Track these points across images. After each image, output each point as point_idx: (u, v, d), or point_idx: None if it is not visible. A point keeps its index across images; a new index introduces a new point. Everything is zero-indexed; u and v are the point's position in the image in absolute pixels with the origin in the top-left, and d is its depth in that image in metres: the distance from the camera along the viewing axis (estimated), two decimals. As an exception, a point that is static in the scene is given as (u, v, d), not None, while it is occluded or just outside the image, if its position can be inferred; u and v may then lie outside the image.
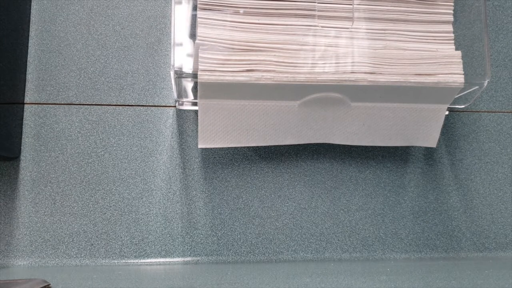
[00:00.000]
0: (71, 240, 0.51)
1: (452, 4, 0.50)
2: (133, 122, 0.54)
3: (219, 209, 0.53)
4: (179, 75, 0.46)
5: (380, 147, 0.56)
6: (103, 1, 0.55)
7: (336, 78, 0.45)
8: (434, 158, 0.57)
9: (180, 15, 0.49)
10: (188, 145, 0.54)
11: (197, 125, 0.51)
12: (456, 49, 0.49)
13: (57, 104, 0.53)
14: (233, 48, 0.45)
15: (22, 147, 0.52)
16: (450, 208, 0.57)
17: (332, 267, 0.49)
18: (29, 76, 0.53)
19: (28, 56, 0.53)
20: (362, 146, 0.56)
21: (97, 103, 0.53)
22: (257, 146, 0.55)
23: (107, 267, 0.50)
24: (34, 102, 0.53)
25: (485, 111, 0.59)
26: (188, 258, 0.52)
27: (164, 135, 0.54)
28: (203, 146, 0.49)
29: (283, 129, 0.50)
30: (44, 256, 0.51)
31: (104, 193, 0.52)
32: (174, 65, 0.45)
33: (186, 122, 0.54)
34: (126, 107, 0.54)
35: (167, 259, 0.52)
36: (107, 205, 0.52)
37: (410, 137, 0.52)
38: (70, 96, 0.53)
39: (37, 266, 0.50)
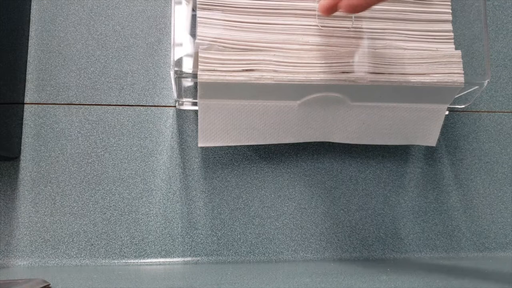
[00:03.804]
0: (71, 240, 0.51)
1: (449, 3, 0.50)
2: (133, 122, 0.54)
3: (219, 209, 0.53)
4: (179, 75, 0.46)
5: (380, 147, 0.56)
6: (103, 1, 0.55)
7: (336, 78, 0.45)
8: (434, 158, 0.57)
9: (180, 15, 0.49)
10: (188, 145, 0.54)
11: (197, 125, 0.51)
12: (456, 48, 0.49)
13: (57, 104, 0.53)
14: (233, 48, 0.45)
15: (22, 147, 0.52)
16: (450, 208, 0.57)
17: (332, 267, 0.49)
18: (29, 76, 0.53)
19: (28, 56, 0.53)
20: (362, 146, 0.56)
21: (97, 103, 0.54)
22: (257, 146, 0.55)
23: (107, 267, 0.50)
24: (34, 102, 0.53)
25: (485, 111, 0.59)
26: (188, 258, 0.52)
27: (164, 135, 0.54)
28: (203, 145, 0.49)
29: (283, 128, 0.50)
30: (44, 256, 0.51)
31: (104, 193, 0.52)
32: (174, 65, 0.45)
33: (186, 122, 0.54)
34: (126, 107, 0.54)
35: (167, 259, 0.52)
36: (107, 205, 0.52)
37: (410, 136, 0.52)
38: (70, 96, 0.53)
39: (37, 266, 0.50)
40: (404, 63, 0.47)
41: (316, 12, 0.48)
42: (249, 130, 0.49)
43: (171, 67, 0.45)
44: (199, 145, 0.49)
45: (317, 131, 0.51)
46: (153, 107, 0.54)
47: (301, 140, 0.51)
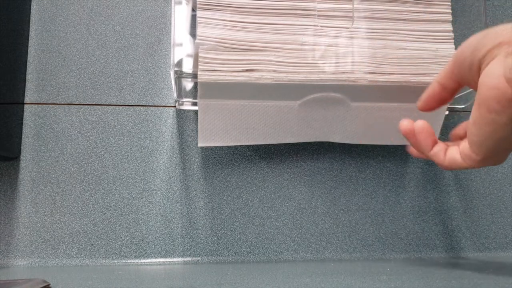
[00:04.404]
0: (71, 240, 0.51)
1: (449, 3, 0.50)
2: (133, 122, 0.54)
3: (219, 209, 0.53)
4: (179, 75, 0.46)
5: (380, 147, 0.56)
6: (103, 1, 0.55)
7: (336, 78, 0.45)
8: (434, 158, 0.57)
9: (180, 15, 0.49)
10: (188, 145, 0.54)
11: (197, 125, 0.51)
12: (456, 48, 0.49)
13: (57, 104, 0.53)
14: (233, 48, 0.45)
15: (22, 147, 0.52)
16: (450, 208, 0.57)
17: (332, 267, 0.49)
18: (29, 76, 0.53)
19: (28, 56, 0.53)
20: (362, 146, 0.56)
21: (97, 103, 0.54)
22: (257, 146, 0.55)
23: (107, 267, 0.50)
24: (34, 102, 0.53)
25: (485, 111, 0.59)
26: (188, 258, 0.52)
27: (164, 135, 0.54)
28: (203, 145, 0.49)
29: (283, 129, 0.50)
30: (44, 256, 0.51)
31: (104, 193, 0.52)
32: (174, 65, 0.45)
33: (186, 122, 0.54)
34: (126, 107, 0.54)
35: (167, 259, 0.52)
36: (107, 205, 0.52)
37: None
38: (70, 96, 0.53)
39: (37, 266, 0.50)
40: (404, 63, 0.47)
41: (316, 12, 0.48)
42: (249, 130, 0.49)
43: (171, 67, 0.45)
44: (199, 145, 0.49)
45: (317, 131, 0.51)
46: (153, 107, 0.54)
47: (301, 140, 0.51)
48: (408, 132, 0.41)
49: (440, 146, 0.40)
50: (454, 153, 0.39)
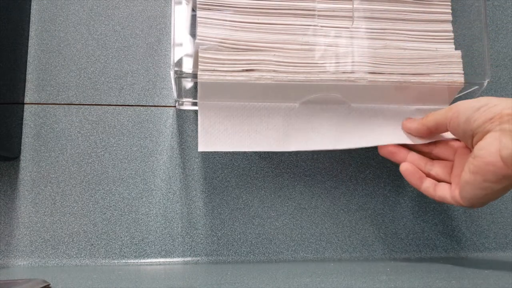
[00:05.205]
0: (71, 240, 0.51)
1: (449, 3, 0.50)
2: (133, 122, 0.54)
3: (219, 209, 0.53)
4: (179, 75, 0.46)
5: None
6: (103, 1, 0.55)
7: (336, 78, 0.45)
8: (434, 158, 0.57)
9: (180, 15, 0.49)
10: (188, 145, 0.54)
11: (197, 125, 0.51)
12: (456, 48, 0.49)
13: (57, 104, 0.53)
14: (233, 48, 0.45)
15: (22, 147, 0.52)
16: (450, 208, 0.57)
17: (332, 267, 0.49)
18: (29, 76, 0.53)
19: (28, 56, 0.53)
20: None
21: (97, 103, 0.54)
22: (257, 146, 0.55)
23: (107, 267, 0.50)
24: (34, 102, 0.53)
25: (485, 111, 0.59)
26: (188, 258, 0.52)
27: (164, 135, 0.54)
28: (204, 149, 0.47)
29: (286, 132, 0.49)
30: (44, 256, 0.51)
31: (104, 193, 0.52)
32: (174, 65, 0.45)
33: (186, 122, 0.54)
34: (126, 107, 0.54)
35: (167, 259, 0.52)
36: (107, 205, 0.52)
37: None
38: (70, 96, 0.53)
39: (37, 266, 0.50)
40: (404, 63, 0.47)
41: (316, 12, 0.48)
42: (250, 133, 0.48)
43: (171, 67, 0.45)
44: (199, 149, 0.47)
45: (322, 135, 0.49)
46: (153, 107, 0.54)
47: (305, 148, 0.49)
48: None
49: (428, 183, 0.47)
50: (444, 192, 0.45)
